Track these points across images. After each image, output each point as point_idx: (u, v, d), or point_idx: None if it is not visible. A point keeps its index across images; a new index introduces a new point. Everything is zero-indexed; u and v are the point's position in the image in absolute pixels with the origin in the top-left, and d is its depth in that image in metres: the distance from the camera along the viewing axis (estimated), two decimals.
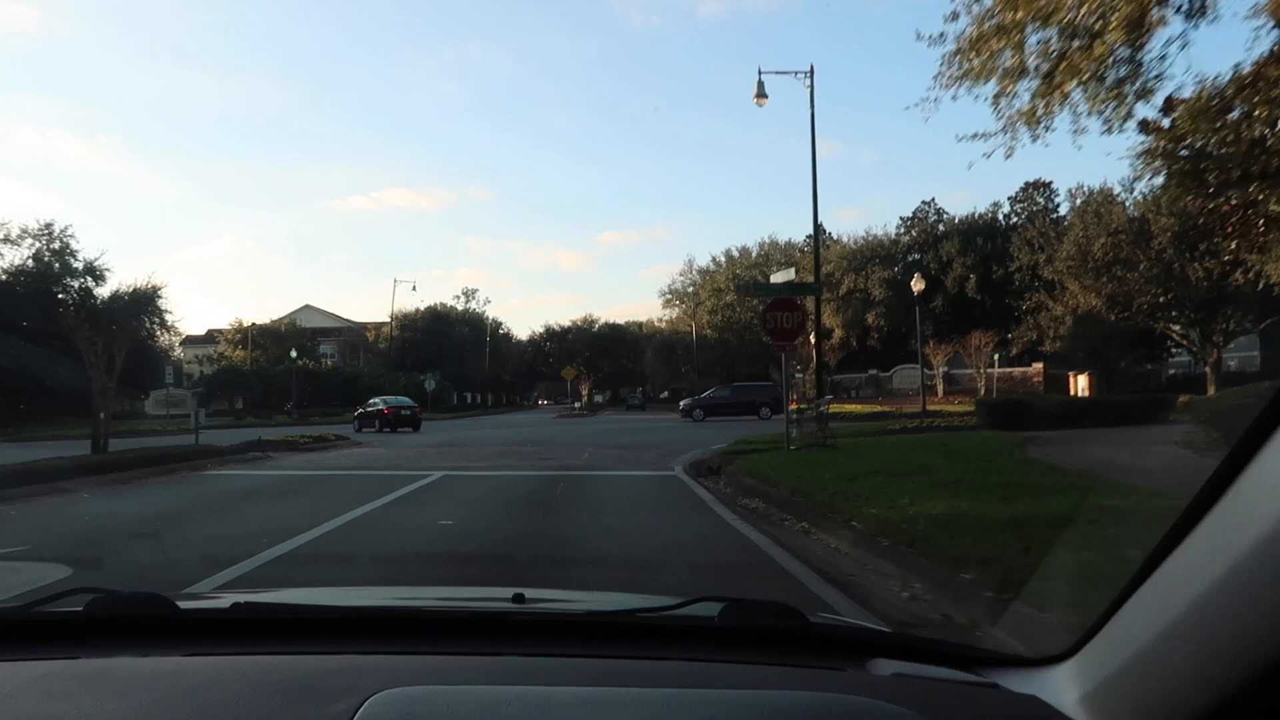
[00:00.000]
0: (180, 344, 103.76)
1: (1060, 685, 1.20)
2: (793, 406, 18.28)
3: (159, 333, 56.49)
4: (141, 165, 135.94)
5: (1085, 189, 44.81)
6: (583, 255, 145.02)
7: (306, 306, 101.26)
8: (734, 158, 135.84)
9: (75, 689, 1.19)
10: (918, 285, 27.59)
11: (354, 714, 1.03)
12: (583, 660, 1.35)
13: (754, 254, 74.74)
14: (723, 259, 77.27)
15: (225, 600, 1.60)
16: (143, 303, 51.21)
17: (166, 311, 54.98)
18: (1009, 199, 60.72)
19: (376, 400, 38.04)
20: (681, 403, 42.65)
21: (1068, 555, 5.69)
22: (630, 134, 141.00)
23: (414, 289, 70.74)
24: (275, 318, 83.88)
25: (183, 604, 1.52)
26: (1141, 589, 1.05)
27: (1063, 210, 53.38)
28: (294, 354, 52.51)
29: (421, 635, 1.47)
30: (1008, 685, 1.28)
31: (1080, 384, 43.58)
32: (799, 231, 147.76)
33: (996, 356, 42.41)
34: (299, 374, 60.80)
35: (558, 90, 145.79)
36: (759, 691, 1.18)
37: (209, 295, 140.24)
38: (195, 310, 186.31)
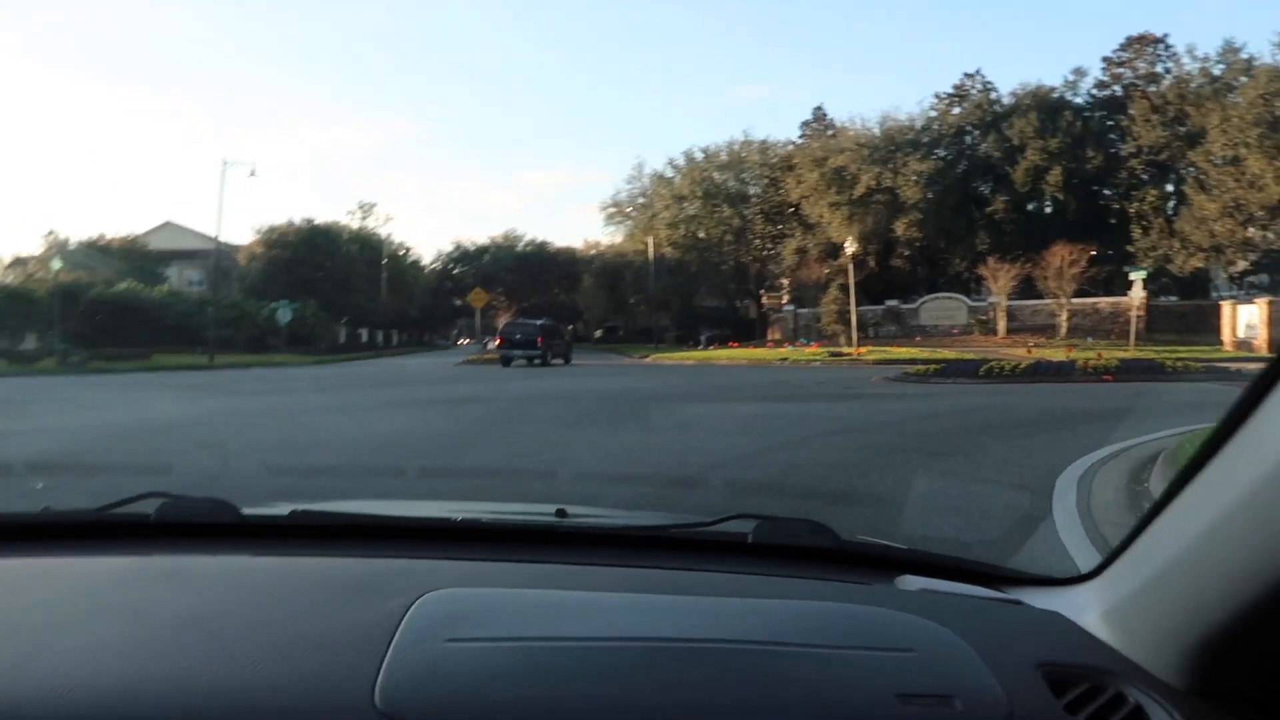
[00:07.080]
0: (8, 268, 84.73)
1: (1083, 603, 1.23)
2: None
3: None
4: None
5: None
6: (509, 193, 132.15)
7: (167, 224, 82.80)
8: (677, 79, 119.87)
9: (153, 582, 1.29)
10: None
11: (407, 610, 1.09)
12: (621, 570, 1.41)
13: (723, 156, 58.85)
14: (682, 162, 60.99)
15: (283, 508, 1.65)
16: None
17: None
18: (1103, 61, 45.31)
19: None
20: None
21: None
22: (563, 60, 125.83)
23: (252, 174, 53.72)
24: (118, 236, 65.80)
25: (245, 510, 1.58)
26: (1166, 511, 1.07)
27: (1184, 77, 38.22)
28: (56, 265, 35.37)
29: (470, 543, 1.54)
30: (1031, 603, 1.32)
31: (1245, 319, 29.43)
32: (780, 128, 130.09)
33: (1140, 277, 27.75)
34: (99, 304, 43.49)
35: (483, 19, 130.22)
36: (792, 601, 1.24)
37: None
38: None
